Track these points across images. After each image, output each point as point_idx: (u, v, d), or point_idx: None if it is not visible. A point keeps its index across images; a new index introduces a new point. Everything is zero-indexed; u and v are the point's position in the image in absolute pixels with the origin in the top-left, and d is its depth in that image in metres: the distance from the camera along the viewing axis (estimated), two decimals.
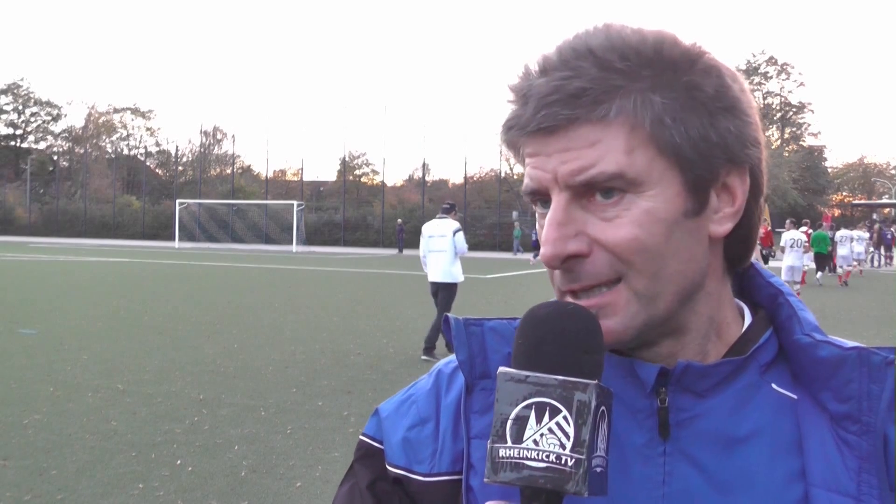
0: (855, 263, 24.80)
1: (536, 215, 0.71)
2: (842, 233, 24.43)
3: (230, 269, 25.27)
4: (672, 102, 0.64)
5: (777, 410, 0.70)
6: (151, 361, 8.28)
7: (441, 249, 9.11)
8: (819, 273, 22.00)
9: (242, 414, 6.17)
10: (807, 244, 18.48)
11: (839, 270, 23.08)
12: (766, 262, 22.58)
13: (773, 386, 0.71)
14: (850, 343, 0.69)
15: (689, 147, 0.65)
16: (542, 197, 0.68)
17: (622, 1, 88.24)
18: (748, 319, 0.75)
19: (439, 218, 9.49)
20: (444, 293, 9.27)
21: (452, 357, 0.81)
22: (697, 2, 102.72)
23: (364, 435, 0.83)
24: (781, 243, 17.82)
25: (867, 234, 29.08)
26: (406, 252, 40.85)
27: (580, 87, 0.62)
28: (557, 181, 0.65)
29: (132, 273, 22.03)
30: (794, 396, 0.70)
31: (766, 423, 0.69)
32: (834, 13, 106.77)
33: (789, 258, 17.28)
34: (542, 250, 0.65)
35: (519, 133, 0.66)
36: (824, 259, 22.46)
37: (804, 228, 22.92)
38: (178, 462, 4.96)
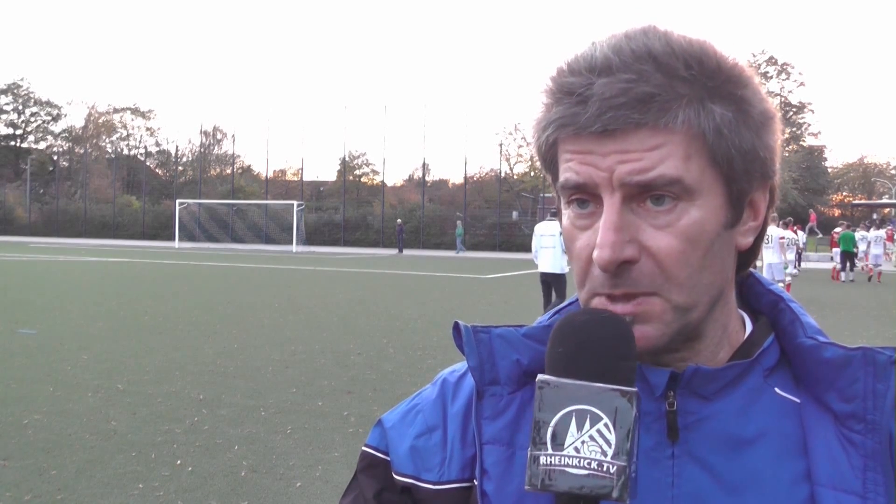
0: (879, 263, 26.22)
1: (570, 214, 0.69)
2: (875, 233, 25.68)
3: (230, 269, 25.26)
4: (729, 115, 0.65)
5: (781, 413, 0.71)
6: (151, 361, 8.27)
7: (551, 246, 11.14)
8: (845, 272, 23.54)
9: (242, 414, 6.17)
10: (800, 244, 22.14)
11: (875, 268, 24.41)
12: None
13: (777, 390, 0.72)
14: (853, 345, 0.70)
15: (740, 160, 0.66)
16: (584, 195, 0.67)
17: (623, 0, 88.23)
18: (749, 326, 0.76)
19: (549, 220, 11.85)
20: (556, 284, 11.28)
21: (456, 366, 0.83)
22: (697, 1, 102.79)
23: (367, 446, 0.83)
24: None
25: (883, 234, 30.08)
26: (406, 252, 40.84)
27: (648, 93, 0.62)
28: (612, 180, 0.64)
29: (132, 273, 22.03)
30: (797, 400, 0.71)
31: (772, 426, 0.70)
32: (834, 13, 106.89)
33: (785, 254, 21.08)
34: (597, 253, 0.64)
35: (575, 132, 0.65)
36: (851, 257, 24.13)
37: (838, 229, 25.74)
38: (178, 462, 4.95)
